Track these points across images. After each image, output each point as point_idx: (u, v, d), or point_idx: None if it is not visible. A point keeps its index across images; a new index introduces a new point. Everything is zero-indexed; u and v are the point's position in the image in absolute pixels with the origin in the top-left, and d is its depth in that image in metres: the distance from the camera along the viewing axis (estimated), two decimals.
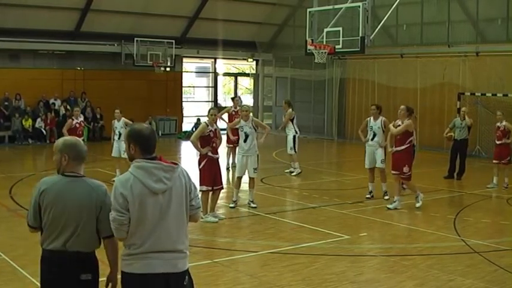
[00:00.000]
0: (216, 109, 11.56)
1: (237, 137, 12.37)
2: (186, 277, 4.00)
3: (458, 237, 9.34)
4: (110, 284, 4.31)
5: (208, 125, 10.09)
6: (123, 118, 14.59)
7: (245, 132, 11.01)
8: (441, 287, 7.04)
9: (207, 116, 10.53)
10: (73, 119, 14.31)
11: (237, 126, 11.37)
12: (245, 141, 11.02)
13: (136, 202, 3.81)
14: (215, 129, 10.21)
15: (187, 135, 26.21)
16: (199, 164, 10.22)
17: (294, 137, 15.43)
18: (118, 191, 3.84)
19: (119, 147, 14.24)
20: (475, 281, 7.21)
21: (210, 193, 10.21)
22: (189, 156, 22.13)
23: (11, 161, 18.46)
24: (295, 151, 15.45)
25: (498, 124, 13.99)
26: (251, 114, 11.54)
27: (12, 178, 14.01)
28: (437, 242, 9.16)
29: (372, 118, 12.45)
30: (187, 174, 4.09)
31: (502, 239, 9.43)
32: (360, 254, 8.46)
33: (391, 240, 9.35)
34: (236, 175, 11.30)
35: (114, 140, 14.54)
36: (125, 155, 14.11)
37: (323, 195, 12.77)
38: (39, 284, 6.86)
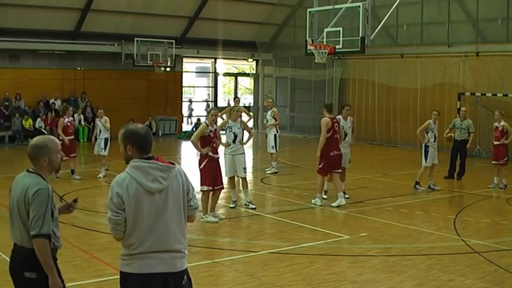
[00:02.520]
0: (217, 109, 11.65)
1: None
2: (185, 277, 4.00)
3: (458, 237, 9.34)
4: None
5: (208, 125, 10.12)
6: (105, 117, 14.97)
7: (234, 133, 11.07)
8: (441, 287, 7.04)
9: (208, 116, 10.55)
10: (64, 118, 14.57)
11: (224, 127, 11.23)
12: (234, 141, 11.08)
13: (132, 202, 3.81)
14: (215, 129, 10.25)
15: (187, 135, 26.24)
16: (200, 164, 10.22)
17: (275, 135, 15.67)
18: (114, 191, 3.83)
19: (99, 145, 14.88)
20: (475, 281, 7.21)
21: (211, 193, 10.21)
22: (189, 157, 22.13)
23: (11, 161, 18.44)
24: (276, 150, 15.68)
25: (496, 124, 13.95)
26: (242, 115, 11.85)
27: (12, 178, 13.95)
28: (437, 242, 9.16)
29: (341, 117, 12.29)
30: (185, 174, 4.08)
31: (502, 239, 9.43)
32: (360, 254, 8.46)
33: (391, 240, 9.35)
34: (227, 176, 11.15)
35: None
36: (103, 152, 14.44)
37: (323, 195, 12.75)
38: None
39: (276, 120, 15.95)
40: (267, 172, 15.65)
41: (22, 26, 22.18)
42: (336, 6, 16.77)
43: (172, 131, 26.42)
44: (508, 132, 13.69)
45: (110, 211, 3.86)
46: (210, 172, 10.09)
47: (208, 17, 25.67)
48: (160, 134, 25.71)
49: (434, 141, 13.30)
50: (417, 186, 13.25)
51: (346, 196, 11.96)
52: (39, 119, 22.65)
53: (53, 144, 4.32)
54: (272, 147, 15.67)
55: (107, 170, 14.83)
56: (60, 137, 14.00)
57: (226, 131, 11.19)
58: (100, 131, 14.91)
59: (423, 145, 13.33)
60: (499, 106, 17.27)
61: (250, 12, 26.71)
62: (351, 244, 8.98)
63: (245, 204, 11.26)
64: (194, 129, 26.72)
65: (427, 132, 13.31)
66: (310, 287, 6.94)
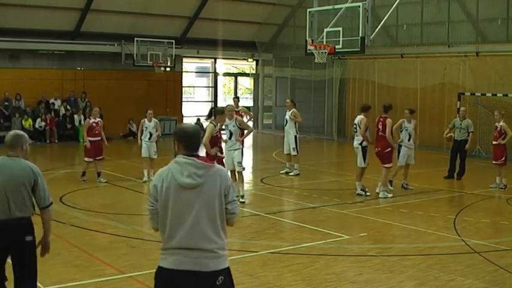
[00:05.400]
0: (233, 105, 12.40)
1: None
2: (221, 277, 3.99)
3: (458, 237, 9.34)
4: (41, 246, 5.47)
5: (215, 126, 10.26)
6: (154, 119, 14.36)
7: (230, 130, 11.70)
8: (441, 287, 7.04)
9: (217, 115, 10.99)
10: (90, 118, 14.15)
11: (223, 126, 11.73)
12: (230, 138, 11.71)
13: (164, 194, 3.97)
14: (219, 129, 10.44)
15: None
16: None
17: (295, 137, 15.35)
18: (153, 183, 4.06)
19: (149, 147, 14.10)
20: (475, 281, 7.21)
21: None
22: None
23: None
24: (297, 151, 15.39)
25: (496, 124, 13.99)
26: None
27: None
28: (437, 242, 9.16)
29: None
30: (228, 177, 4.14)
31: (502, 239, 9.43)
32: (360, 254, 8.46)
33: (391, 240, 9.36)
34: (227, 169, 11.47)
35: (141, 140, 14.18)
36: (155, 156, 14.21)
37: (323, 195, 12.77)
38: (39, 284, 6.87)
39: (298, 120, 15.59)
40: (290, 174, 15.33)
41: (22, 26, 22.18)
42: (336, 6, 16.75)
43: (172, 131, 26.39)
44: (505, 133, 13.69)
45: (148, 201, 4.08)
46: None
47: (208, 17, 25.67)
48: (160, 135, 25.68)
49: (409, 141, 13.19)
50: (389, 185, 13.11)
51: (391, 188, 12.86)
52: (39, 119, 22.65)
53: (26, 135, 5.49)
54: (293, 148, 15.32)
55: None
56: (84, 140, 13.87)
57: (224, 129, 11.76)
58: (150, 134, 14.16)
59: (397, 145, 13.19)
60: (499, 106, 17.27)
61: (250, 12, 26.71)
62: (350, 244, 8.98)
63: (236, 196, 11.33)
64: None
65: (401, 131, 13.30)
66: (310, 287, 6.95)
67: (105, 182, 13.91)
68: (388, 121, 12.49)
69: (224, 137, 11.78)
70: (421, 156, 19.31)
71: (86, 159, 13.92)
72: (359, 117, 12.59)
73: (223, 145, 11.62)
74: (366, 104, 13.54)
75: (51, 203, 5.44)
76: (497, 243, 9.08)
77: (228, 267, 4.06)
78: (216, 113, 11.06)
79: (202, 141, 10.26)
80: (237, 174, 11.65)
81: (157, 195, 3.99)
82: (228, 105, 12.48)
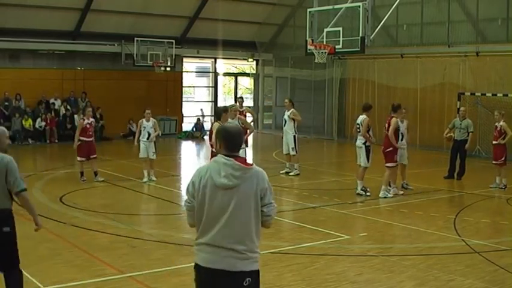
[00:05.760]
0: (237, 105, 12.10)
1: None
2: (248, 279, 4.02)
3: (459, 237, 9.34)
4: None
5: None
6: (152, 119, 14.36)
7: None
8: (441, 287, 7.04)
9: (229, 112, 11.12)
10: (84, 119, 14.13)
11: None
12: None
13: (201, 192, 4.05)
14: None
15: (187, 135, 26.24)
16: None
17: (294, 137, 15.37)
18: (191, 180, 4.14)
19: (147, 147, 14.12)
20: (475, 281, 7.21)
21: None
22: (189, 157, 22.15)
23: None
24: (296, 151, 15.40)
25: (496, 124, 14.00)
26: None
27: None
28: (437, 242, 9.16)
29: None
30: (266, 180, 4.14)
31: (502, 239, 9.43)
32: (360, 254, 8.47)
33: (391, 240, 9.36)
34: None
35: (140, 140, 14.20)
36: (153, 156, 14.20)
37: (323, 195, 12.77)
38: (39, 284, 6.88)
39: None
40: (290, 174, 15.34)
41: (22, 26, 22.17)
42: (336, 6, 16.75)
43: (172, 131, 26.41)
44: (505, 132, 13.69)
45: (186, 198, 4.20)
46: None
47: (208, 17, 25.67)
48: (160, 134, 25.68)
49: (402, 140, 13.08)
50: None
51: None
52: (39, 119, 22.64)
53: (4, 129, 5.98)
54: (292, 148, 15.32)
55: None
56: (76, 139, 13.81)
57: None
58: (149, 134, 14.14)
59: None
60: (499, 106, 17.26)
61: (250, 12, 26.71)
62: (350, 244, 8.99)
63: None
64: (194, 129, 26.75)
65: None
66: (310, 287, 6.95)
67: (102, 181, 13.92)
68: (393, 120, 12.51)
69: None
70: (421, 156, 19.36)
71: (79, 158, 13.96)
72: (361, 117, 12.62)
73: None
74: (367, 103, 13.57)
75: (24, 188, 5.65)
76: (497, 243, 9.08)
77: (257, 271, 4.10)
78: (220, 112, 10.93)
79: (210, 141, 10.26)
80: None
81: (195, 192, 4.08)
82: (232, 105, 12.56)
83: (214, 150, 10.21)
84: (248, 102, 32.40)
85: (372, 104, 14.07)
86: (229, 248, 3.99)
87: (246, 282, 4.01)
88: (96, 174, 14.03)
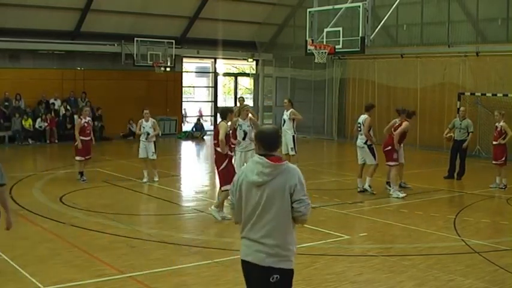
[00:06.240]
0: (248, 105, 12.49)
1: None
2: (276, 276, 4.20)
3: (458, 237, 9.34)
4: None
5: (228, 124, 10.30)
6: (151, 119, 14.34)
7: (244, 130, 11.70)
8: (441, 287, 7.04)
9: (241, 112, 11.33)
10: (81, 119, 14.12)
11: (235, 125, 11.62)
12: (244, 138, 11.69)
13: (238, 189, 4.37)
14: (233, 128, 10.51)
15: (187, 136, 26.24)
16: (222, 163, 10.12)
17: (293, 136, 15.35)
18: (234, 178, 4.49)
19: (146, 148, 14.10)
20: (475, 281, 7.21)
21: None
22: (189, 157, 22.15)
23: (11, 161, 18.43)
24: (295, 151, 15.38)
25: (496, 124, 14.00)
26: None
27: (12, 178, 13.97)
28: (437, 242, 9.16)
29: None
30: (297, 177, 4.28)
31: (502, 239, 9.43)
32: (360, 254, 8.46)
33: (391, 240, 9.35)
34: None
35: (140, 140, 14.20)
36: (153, 156, 14.19)
37: (323, 195, 12.76)
38: (39, 284, 6.88)
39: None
40: None
41: (22, 26, 22.17)
42: (336, 6, 16.75)
43: (172, 131, 26.41)
44: (506, 133, 13.69)
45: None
46: (232, 170, 10.17)
47: (208, 17, 25.67)
48: (160, 134, 25.68)
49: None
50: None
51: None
52: (39, 119, 22.65)
53: None
54: (291, 148, 15.26)
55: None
56: (78, 139, 13.76)
57: (236, 129, 11.69)
58: (147, 134, 14.12)
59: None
60: (499, 106, 17.26)
61: (250, 12, 26.70)
62: (350, 244, 8.98)
63: None
64: (194, 129, 26.75)
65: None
66: (310, 287, 6.94)
67: (84, 181, 13.80)
68: (405, 124, 12.74)
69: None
70: (421, 156, 19.37)
71: (78, 158, 13.93)
72: (363, 117, 12.72)
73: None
74: (369, 103, 13.70)
75: (3, 184, 5.91)
76: (497, 243, 9.08)
77: (289, 270, 4.30)
78: (226, 112, 10.83)
79: (219, 139, 10.04)
80: None
81: (234, 191, 4.40)
82: (245, 105, 12.60)
83: (219, 149, 10.20)
84: (248, 102, 32.40)
85: (374, 104, 14.09)
86: (260, 242, 4.22)
87: (273, 279, 4.18)
88: (82, 174, 14.02)
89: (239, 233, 4.44)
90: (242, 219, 4.36)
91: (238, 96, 25.66)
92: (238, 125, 11.65)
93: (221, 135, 10.05)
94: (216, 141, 10.21)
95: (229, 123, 10.36)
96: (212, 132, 29.48)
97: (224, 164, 10.13)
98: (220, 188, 10.36)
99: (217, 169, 10.24)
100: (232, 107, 11.88)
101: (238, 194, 4.36)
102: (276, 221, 4.20)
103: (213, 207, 10.36)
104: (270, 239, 4.20)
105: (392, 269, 7.65)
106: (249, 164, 4.39)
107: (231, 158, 10.33)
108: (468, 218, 10.78)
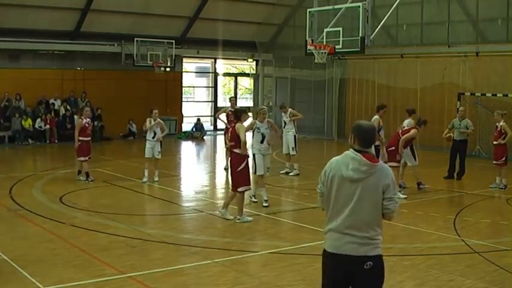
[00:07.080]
0: (266, 108, 12.48)
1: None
2: (369, 263, 4.32)
3: (458, 237, 9.34)
4: None
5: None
6: (158, 119, 14.31)
7: (262, 133, 11.67)
8: (441, 287, 7.04)
9: (258, 114, 11.56)
10: (82, 119, 14.08)
11: (252, 128, 11.73)
12: (262, 141, 11.64)
13: (329, 181, 4.43)
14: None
15: (186, 136, 26.23)
16: (239, 165, 10.06)
17: (295, 136, 15.38)
18: (325, 168, 4.53)
19: (153, 147, 14.08)
20: (475, 281, 7.21)
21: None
22: (189, 157, 22.14)
23: (11, 161, 18.45)
24: (296, 151, 15.39)
25: (496, 124, 14.01)
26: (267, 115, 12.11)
27: (12, 178, 14.00)
28: (437, 242, 9.16)
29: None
30: (390, 177, 4.39)
31: (502, 239, 9.43)
32: None
33: (391, 240, 9.34)
34: (258, 174, 11.47)
35: (147, 140, 14.16)
36: (158, 156, 14.17)
37: None
38: (39, 284, 6.87)
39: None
40: (290, 174, 15.31)
41: (22, 26, 22.16)
42: (336, 6, 16.75)
43: (172, 131, 26.32)
44: (506, 133, 13.69)
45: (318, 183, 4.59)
46: (248, 172, 10.20)
47: (208, 17, 25.66)
48: (166, 132, 25.64)
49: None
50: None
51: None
52: (39, 119, 22.64)
53: None
54: (292, 148, 15.28)
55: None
56: (77, 139, 13.73)
57: (254, 131, 11.72)
58: (154, 134, 14.06)
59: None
60: (499, 106, 17.26)
61: (250, 12, 26.69)
62: None
63: (265, 200, 11.49)
64: (194, 129, 26.74)
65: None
66: (310, 287, 6.94)
67: (85, 181, 13.82)
68: (414, 131, 12.84)
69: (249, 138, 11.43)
70: (421, 156, 19.27)
71: (82, 158, 13.90)
72: (374, 117, 12.79)
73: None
74: (380, 103, 13.94)
75: None
76: (497, 243, 9.08)
77: (380, 256, 4.39)
78: (240, 113, 10.77)
79: (243, 141, 9.96)
80: (260, 179, 11.55)
81: (325, 181, 4.45)
82: (262, 108, 12.51)
83: (237, 151, 10.05)
84: (248, 102, 32.44)
85: (385, 104, 13.98)
86: (352, 235, 4.32)
87: (366, 266, 4.31)
88: (79, 173, 14.06)
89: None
90: (329, 211, 4.45)
91: (237, 96, 25.64)
92: (256, 127, 11.64)
93: (243, 137, 9.98)
94: (233, 143, 10.13)
95: (244, 123, 10.35)
96: (212, 132, 29.47)
97: (242, 166, 10.09)
98: (234, 189, 10.18)
99: (234, 170, 10.13)
100: (246, 108, 11.81)
101: (329, 185, 4.42)
102: (368, 216, 4.33)
103: (222, 209, 10.36)
104: (363, 232, 4.32)
105: (392, 269, 7.64)
106: (342, 158, 4.42)
107: (248, 159, 10.29)
108: (468, 218, 10.78)
